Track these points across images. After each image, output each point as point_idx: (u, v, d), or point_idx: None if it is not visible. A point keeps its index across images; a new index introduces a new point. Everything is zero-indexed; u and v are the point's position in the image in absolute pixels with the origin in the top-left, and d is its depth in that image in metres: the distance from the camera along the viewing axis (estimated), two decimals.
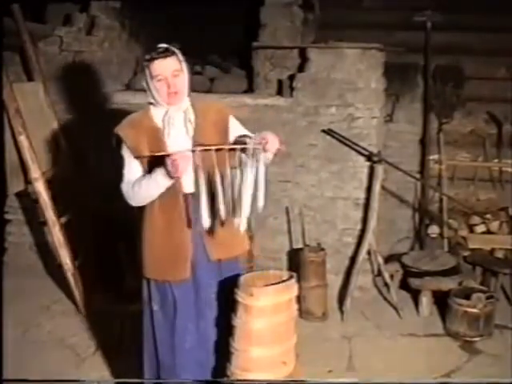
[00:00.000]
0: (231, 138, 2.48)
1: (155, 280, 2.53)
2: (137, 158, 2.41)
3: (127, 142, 2.41)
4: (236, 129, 2.53)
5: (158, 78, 2.37)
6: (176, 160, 2.22)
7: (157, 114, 2.45)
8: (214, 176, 2.28)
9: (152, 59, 2.36)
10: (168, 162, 2.24)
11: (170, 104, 2.41)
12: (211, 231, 2.43)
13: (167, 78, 2.36)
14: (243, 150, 2.29)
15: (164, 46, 2.40)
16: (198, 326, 2.53)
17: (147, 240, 2.51)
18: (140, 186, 2.39)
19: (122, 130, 2.44)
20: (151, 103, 2.47)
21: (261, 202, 2.27)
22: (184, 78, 2.41)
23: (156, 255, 2.49)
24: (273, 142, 2.25)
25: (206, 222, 2.31)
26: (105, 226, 4.03)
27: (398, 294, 3.98)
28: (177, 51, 2.41)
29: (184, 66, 2.42)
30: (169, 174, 2.28)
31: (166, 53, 2.37)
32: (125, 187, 2.44)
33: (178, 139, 2.41)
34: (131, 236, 2.71)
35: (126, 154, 2.44)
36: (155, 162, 2.36)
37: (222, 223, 2.37)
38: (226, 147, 2.33)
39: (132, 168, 2.43)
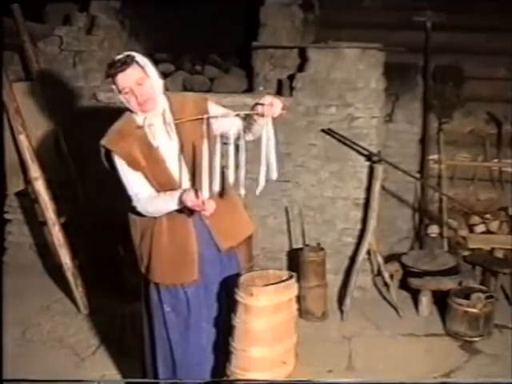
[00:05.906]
0: (215, 123, 2.39)
1: (165, 284, 2.52)
2: (136, 169, 2.37)
3: (122, 156, 2.36)
4: (217, 112, 2.44)
5: (124, 91, 2.31)
6: (210, 203, 2.23)
7: (140, 120, 2.40)
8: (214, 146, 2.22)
9: (113, 74, 2.30)
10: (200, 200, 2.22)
11: (145, 111, 2.36)
12: (216, 221, 2.43)
13: (133, 90, 2.30)
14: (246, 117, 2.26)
15: (120, 56, 2.32)
16: (209, 321, 2.54)
17: (153, 245, 2.48)
18: (157, 204, 2.38)
19: (113, 143, 2.38)
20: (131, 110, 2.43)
21: (274, 170, 2.17)
22: (151, 83, 2.33)
23: (164, 259, 2.47)
24: (277, 107, 2.19)
25: (205, 192, 2.22)
26: (105, 225, 4.03)
27: (397, 294, 3.98)
28: (136, 57, 2.32)
29: (148, 70, 2.33)
30: (188, 206, 2.26)
31: (124, 65, 2.28)
32: (139, 204, 2.40)
33: (164, 141, 2.39)
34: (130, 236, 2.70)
35: (123, 166, 2.38)
36: (154, 170, 2.37)
37: (222, 194, 2.36)
38: (234, 114, 2.29)
39: (139, 182, 2.39)
